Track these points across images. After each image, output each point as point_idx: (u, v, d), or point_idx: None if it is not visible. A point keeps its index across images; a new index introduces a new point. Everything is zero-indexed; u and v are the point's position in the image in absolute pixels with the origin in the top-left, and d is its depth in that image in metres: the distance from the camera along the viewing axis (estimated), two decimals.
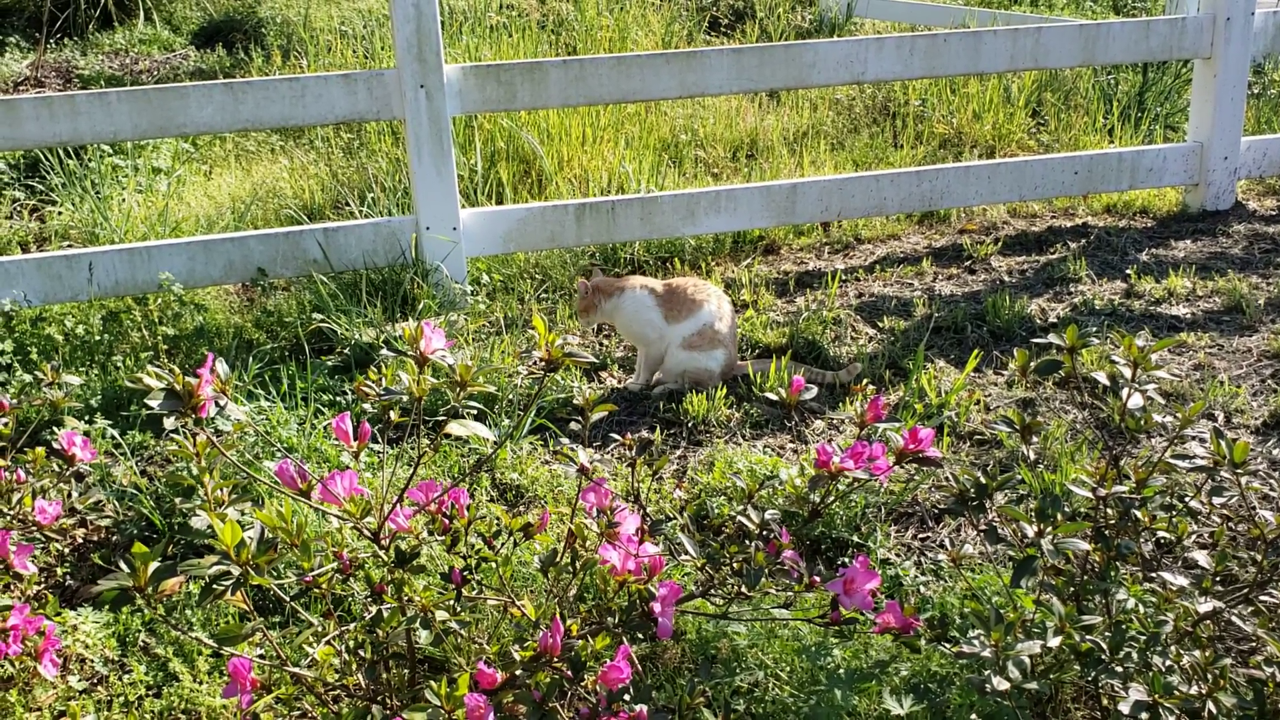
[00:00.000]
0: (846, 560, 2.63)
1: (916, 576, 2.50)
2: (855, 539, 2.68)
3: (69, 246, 4.73)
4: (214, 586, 1.48)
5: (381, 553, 1.71)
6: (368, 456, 3.03)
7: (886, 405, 3.37)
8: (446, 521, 1.76)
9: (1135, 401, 1.80)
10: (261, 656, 2.20)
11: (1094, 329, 3.75)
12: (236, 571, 1.51)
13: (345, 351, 3.70)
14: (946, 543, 2.70)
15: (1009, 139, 6.00)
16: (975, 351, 3.49)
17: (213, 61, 8.81)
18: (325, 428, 3.14)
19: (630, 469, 1.96)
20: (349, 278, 4.17)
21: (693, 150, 6.21)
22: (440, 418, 3.23)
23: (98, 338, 3.79)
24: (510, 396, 3.45)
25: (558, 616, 1.58)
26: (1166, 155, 4.91)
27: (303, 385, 3.52)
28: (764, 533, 1.79)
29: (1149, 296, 4.09)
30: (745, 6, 9.42)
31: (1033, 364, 1.88)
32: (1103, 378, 1.85)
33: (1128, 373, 1.80)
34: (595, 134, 5.75)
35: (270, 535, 1.56)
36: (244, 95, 3.92)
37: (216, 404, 1.72)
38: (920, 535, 2.76)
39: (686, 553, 1.85)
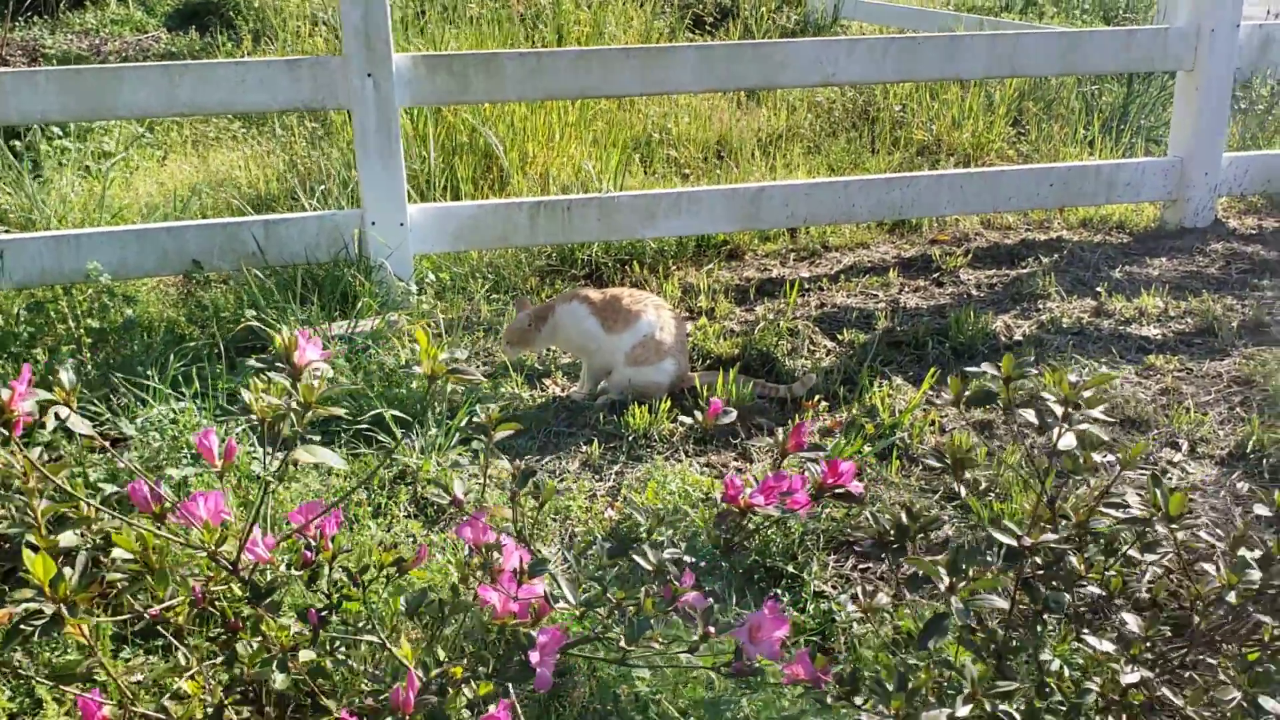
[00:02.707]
0: (779, 591, 2.47)
1: (852, 612, 2.34)
2: (791, 568, 2.52)
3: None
4: (21, 628, 1.32)
5: (236, 586, 1.55)
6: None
7: (837, 423, 3.22)
8: (308, 554, 1.59)
9: (1067, 442, 1.64)
10: (138, 682, 2.03)
11: (1062, 347, 3.62)
12: (50, 610, 1.34)
13: (274, 351, 3.52)
14: (893, 574, 2.55)
15: (988, 148, 5.85)
16: (931, 370, 3.33)
17: (183, 45, 8.62)
18: (240, 434, 2.97)
19: (511, 503, 1.79)
20: (294, 272, 4.00)
21: (664, 149, 6.05)
22: (362, 425, 3.07)
23: (17, 329, 3.61)
24: (448, 401, 3.29)
25: (414, 668, 1.42)
26: (1145, 169, 4.76)
27: (226, 385, 3.35)
28: (667, 572, 1.63)
29: (1119, 316, 3.94)
30: (732, 4, 9.25)
31: (966, 393, 1.72)
32: (1031, 415, 1.69)
33: (1058, 410, 1.64)
34: (563, 130, 5.58)
35: (94, 568, 1.39)
36: (181, 78, 3.74)
37: (57, 416, 1.55)
38: (861, 566, 2.60)
39: (593, 592, 1.69)
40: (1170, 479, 2.94)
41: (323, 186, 4.75)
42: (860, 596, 1.58)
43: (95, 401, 3.16)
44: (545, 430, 3.26)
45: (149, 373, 3.30)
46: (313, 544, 1.60)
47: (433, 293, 4.17)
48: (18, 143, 5.34)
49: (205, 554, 1.57)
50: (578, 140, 5.60)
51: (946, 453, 1.76)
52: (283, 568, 1.59)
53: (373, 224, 3.97)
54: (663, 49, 4.12)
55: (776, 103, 6.63)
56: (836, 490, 1.73)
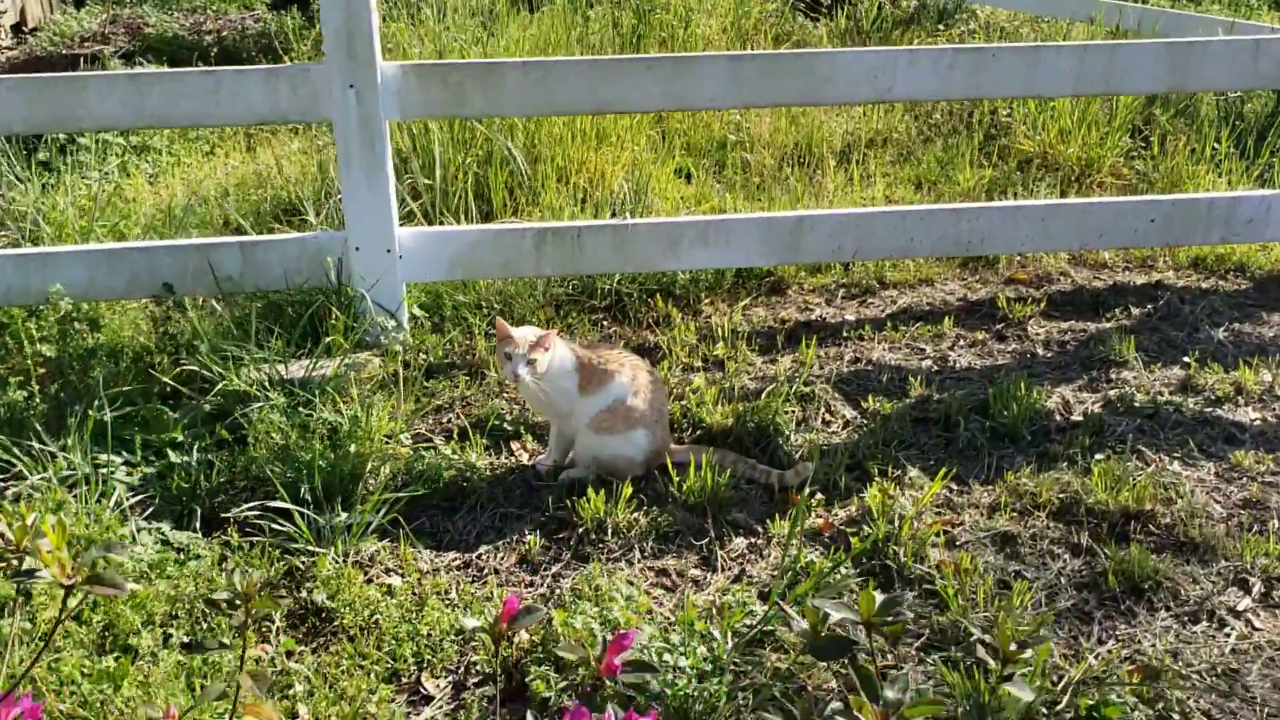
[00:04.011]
0: None
1: None
2: None
3: None
4: None
5: None
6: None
7: (829, 524, 2.70)
8: None
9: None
10: None
11: (1126, 435, 3.01)
12: None
13: (220, 396, 3.19)
14: None
15: (1099, 164, 5.13)
16: (942, 471, 2.77)
17: (280, 25, 8.42)
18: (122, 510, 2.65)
19: None
20: (250, 304, 3.68)
21: (740, 153, 5.52)
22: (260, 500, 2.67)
23: None
24: (388, 470, 2.90)
25: None
26: (1272, 204, 4.02)
27: (159, 437, 3.04)
28: None
29: (1209, 392, 3.27)
30: None
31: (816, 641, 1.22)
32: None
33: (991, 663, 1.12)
34: (618, 133, 5.11)
35: None
36: (150, 89, 3.43)
37: None
38: None
39: None
40: (1228, 634, 2.33)
41: (337, 197, 4.41)
42: None
43: (12, 450, 2.88)
44: (493, 510, 2.84)
45: (89, 412, 3.02)
46: None
47: (429, 325, 3.79)
48: (63, 137, 5.18)
49: None
50: (633, 144, 5.12)
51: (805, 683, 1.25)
52: None
53: (356, 249, 3.60)
54: (688, 59, 3.61)
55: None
56: None
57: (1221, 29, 6.27)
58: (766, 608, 2.35)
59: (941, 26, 7.84)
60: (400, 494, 2.77)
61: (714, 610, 2.40)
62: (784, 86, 3.64)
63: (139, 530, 2.60)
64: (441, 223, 4.35)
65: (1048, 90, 3.81)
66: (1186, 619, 2.37)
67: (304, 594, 2.42)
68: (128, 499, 2.75)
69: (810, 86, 3.65)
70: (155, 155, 5.42)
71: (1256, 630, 2.34)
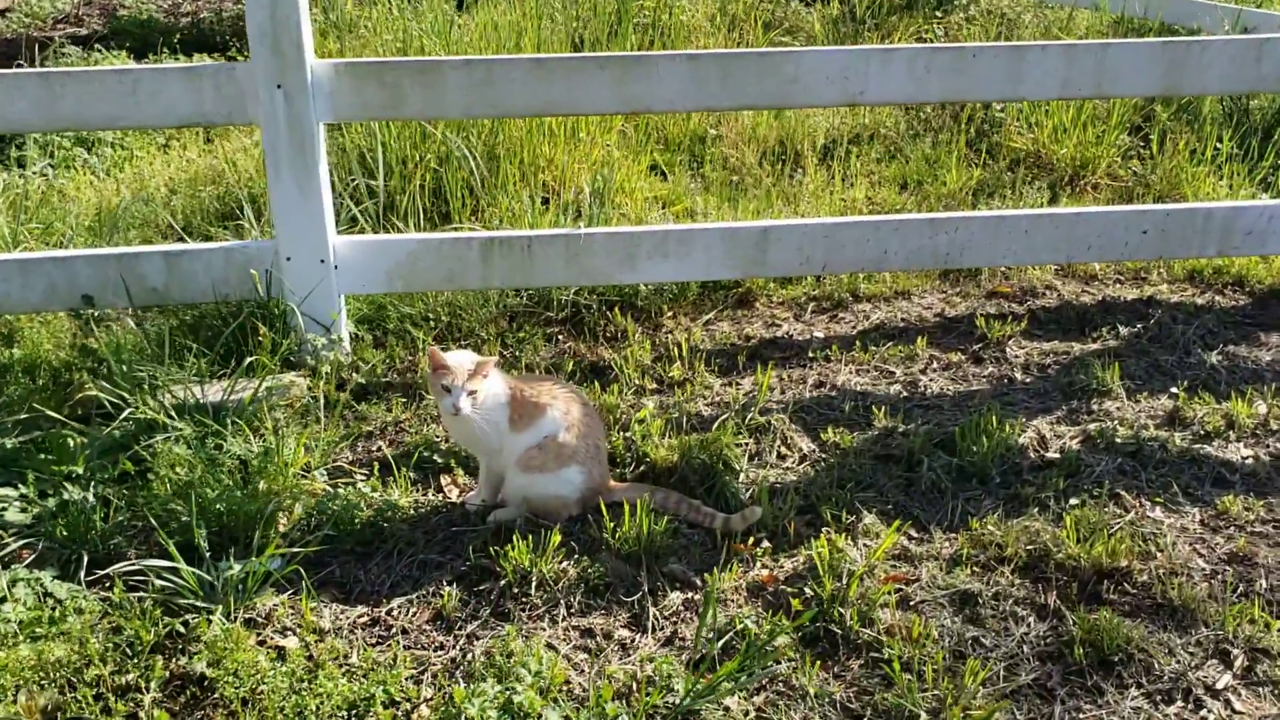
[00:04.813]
0: None
1: None
2: None
3: None
4: None
5: None
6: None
7: (772, 577, 2.47)
8: None
9: None
10: None
11: (1104, 477, 2.77)
12: None
13: (130, 422, 2.96)
14: None
15: (1095, 164, 4.86)
16: (895, 523, 2.53)
17: None
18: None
19: None
20: (206, 310, 3.47)
21: (718, 149, 5.26)
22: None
23: None
24: (300, 510, 2.67)
25: None
26: (1273, 215, 3.76)
27: (58, 468, 2.81)
28: None
29: (1198, 426, 3.02)
30: None
31: None
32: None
33: None
34: (588, 127, 4.86)
35: None
36: (63, 90, 3.19)
37: None
38: None
39: None
40: (1205, 718, 2.10)
41: None
42: None
43: None
44: (411, 556, 2.60)
45: None
46: None
47: (370, 340, 3.56)
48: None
49: None
50: (604, 140, 4.87)
51: None
52: None
53: (288, 259, 3.37)
54: (644, 57, 3.35)
55: None
56: None
57: (1227, 18, 5.99)
58: (692, 679, 2.12)
59: (939, 13, 7.55)
60: (309, 538, 2.55)
61: (634, 683, 2.17)
62: (747, 88, 3.39)
63: (15, 582, 2.38)
64: (388, 228, 4.12)
65: (1032, 93, 3.54)
66: (1159, 698, 2.14)
67: (184, 660, 2.19)
68: (12, 542, 2.53)
69: (776, 88, 3.40)
70: (105, 148, 5.18)
71: (1236, 713, 2.10)
